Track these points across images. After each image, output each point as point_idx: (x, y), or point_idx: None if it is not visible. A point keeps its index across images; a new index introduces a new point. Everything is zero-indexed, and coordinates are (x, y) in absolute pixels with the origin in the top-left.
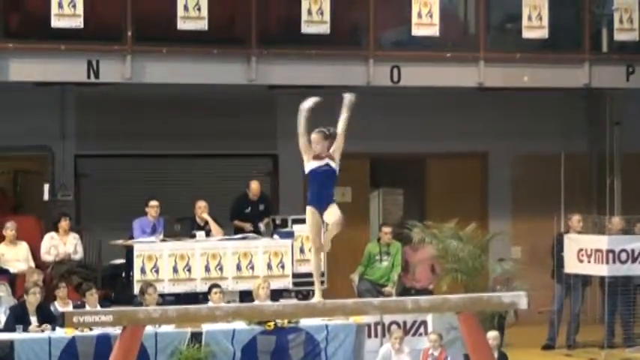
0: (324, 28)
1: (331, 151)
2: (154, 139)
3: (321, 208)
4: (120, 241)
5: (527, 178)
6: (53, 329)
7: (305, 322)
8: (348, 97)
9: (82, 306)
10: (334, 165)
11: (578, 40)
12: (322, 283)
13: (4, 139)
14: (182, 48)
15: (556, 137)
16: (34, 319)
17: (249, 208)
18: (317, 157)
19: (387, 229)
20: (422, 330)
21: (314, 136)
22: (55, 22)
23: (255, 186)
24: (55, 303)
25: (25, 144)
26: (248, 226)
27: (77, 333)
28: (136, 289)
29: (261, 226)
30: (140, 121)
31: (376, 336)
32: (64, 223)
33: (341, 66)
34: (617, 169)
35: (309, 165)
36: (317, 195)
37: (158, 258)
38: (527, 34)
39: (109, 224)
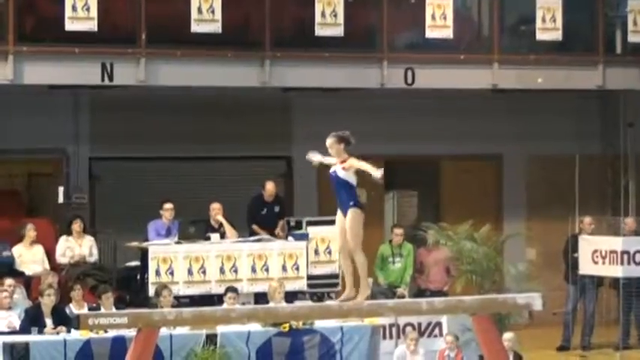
0: (338, 31)
1: (349, 162)
2: (168, 141)
3: (344, 213)
4: (135, 244)
5: (541, 180)
6: (68, 331)
7: (320, 324)
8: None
9: (97, 308)
10: (341, 173)
11: (592, 42)
12: (336, 285)
13: (18, 142)
14: (196, 51)
15: (570, 139)
16: (49, 322)
17: (265, 210)
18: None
19: (398, 231)
20: (437, 331)
21: (327, 140)
22: (69, 26)
23: (270, 186)
24: (70, 305)
25: (39, 146)
26: (265, 235)
27: (92, 335)
28: (151, 291)
29: (278, 231)
30: (154, 124)
31: (391, 337)
32: (76, 225)
33: (355, 68)
34: (632, 170)
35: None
36: (338, 200)
37: (173, 260)
38: (541, 35)
39: (124, 226)
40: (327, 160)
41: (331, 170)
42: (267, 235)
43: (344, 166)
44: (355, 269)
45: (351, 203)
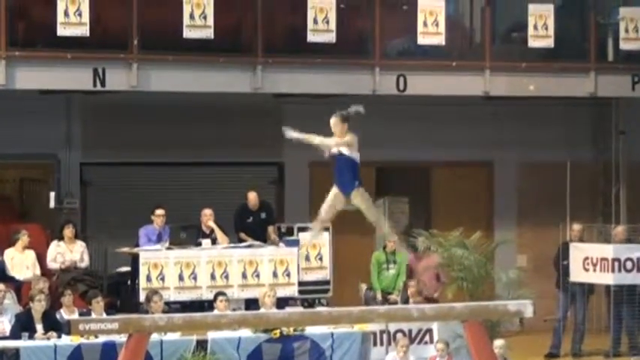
0: (330, 37)
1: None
2: (160, 147)
3: (345, 193)
4: (126, 249)
5: (532, 187)
6: (59, 337)
7: (310, 330)
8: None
9: (88, 314)
10: (347, 152)
11: (584, 49)
12: (327, 291)
13: (10, 147)
14: (188, 56)
15: (561, 146)
16: (39, 327)
17: (251, 218)
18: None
19: (393, 239)
20: (427, 338)
21: (331, 119)
22: (61, 31)
23: (252, 197)
24: (61, 311)
25: (31, 152)
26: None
27: (83, 341)
28: (142, 297)
29: (272, 236)
30: (146, 129)
31: (382, 344)
32: (67, 231)
33: (347, 75)
34: (623, 178)
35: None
36: (339, 179)
37: (164, 266)
38: (532, 43)
39: (115, 232)
40: (303, 136)
41: (334, 152)
42: (258, 242)
43: (346, 143)
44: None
45: (357, 183)
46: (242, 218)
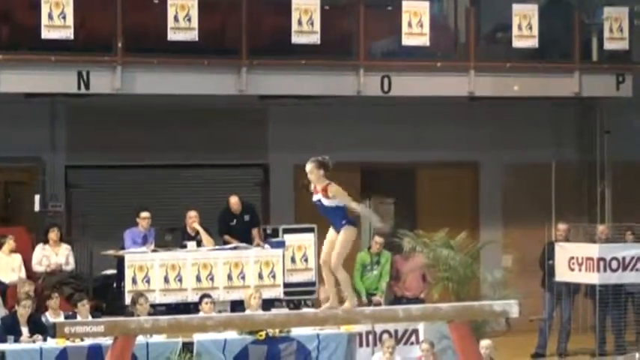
0: (315, 39)
1: (331, 190)
2: (145, 149)
3: (336, 231)
4: (111, 252)
5: (518, 187)
6: (45, 340)
7: (296, 332)
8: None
9: (74, 316)
10: (326, 202)
11: (569, 49)
12: (313, 293)
13: None
14: (172, 59)
15: (547, 146)
16: (25, 330)
17: (235, 221)
18: (315, 189)
19: (379, 240)
20: (413, 339)
21: (307, 165)
22: (45, 34)
23: (233, 201)
24: (47, 313)
25: (15, 155)
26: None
27: (69, 343)
28: (128, 300)
29: (255, 238)
30: (130, 132)
31: (367, 345)
32: (52, 234)
33: (331, 76)
34: (608, 177)
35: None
36: (329, 221)
37: (149, 268)
38: (517, 43)
39: (100, 235)
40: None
41: (315, 199)
42: (243, 244)
43: (328, 196)
44: (337, 281)
45: (344, 222)
46: (226, 222)
